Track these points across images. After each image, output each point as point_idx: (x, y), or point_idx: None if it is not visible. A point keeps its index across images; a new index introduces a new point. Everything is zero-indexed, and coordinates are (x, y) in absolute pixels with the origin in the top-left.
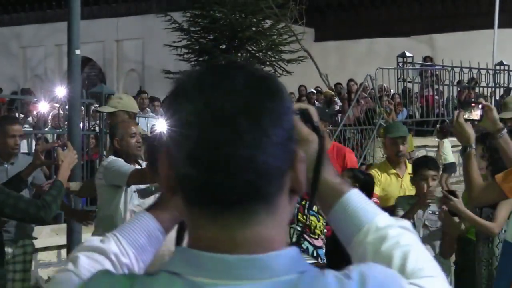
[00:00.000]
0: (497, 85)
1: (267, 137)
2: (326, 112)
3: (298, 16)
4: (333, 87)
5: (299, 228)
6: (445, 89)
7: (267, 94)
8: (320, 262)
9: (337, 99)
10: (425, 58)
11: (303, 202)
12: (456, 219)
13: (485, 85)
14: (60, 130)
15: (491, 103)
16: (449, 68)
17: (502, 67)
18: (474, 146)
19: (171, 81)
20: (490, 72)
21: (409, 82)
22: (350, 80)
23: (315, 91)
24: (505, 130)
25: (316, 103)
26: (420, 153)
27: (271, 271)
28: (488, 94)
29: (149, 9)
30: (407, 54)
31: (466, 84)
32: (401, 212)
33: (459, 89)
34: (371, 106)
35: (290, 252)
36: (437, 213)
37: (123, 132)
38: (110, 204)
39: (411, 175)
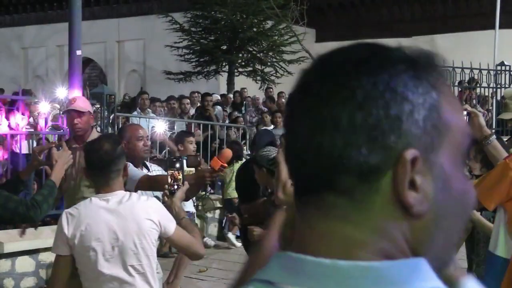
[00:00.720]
0: (498, 86)
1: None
2: None
3: (299, 17)
4: None
5: None
6: None
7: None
8: None
9: None
10: None
11: None
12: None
13: (486, 85)
14: (62, 130)
15: (492, 104)
16: (450, 69)
17: (503, 68)
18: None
19: (172, 81)
20: (491, 72)
21: None
22: None
23: None
24: (493, 136)
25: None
26: None
27: (393, 285)
28: (489, 95)
29: (150, 10)
30: None
31: (467, 85)
32: None
33: (460, 89)
34: None
35: (414, 262)
36: None
37: (130, 135)
38: None
39: None
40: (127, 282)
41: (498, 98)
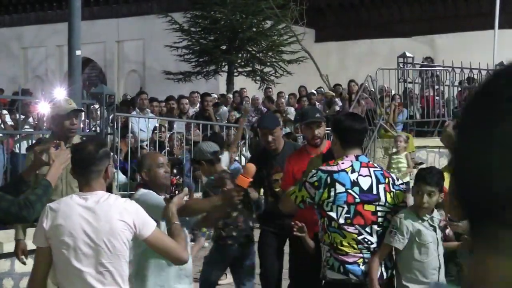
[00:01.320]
0: None
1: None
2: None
3: (299, 17)
4: (334, 88)
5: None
6: (445, 90)
7: None
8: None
9: (337, 100)
10: (426, 59)
11: (387, 180)
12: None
13: None
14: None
15: None
16: (450, 69)
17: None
18: None
19: (172, 81)
20: (491, 72)
21: (409, 82)
22: (351, 80)
23: (315, 92)
24: None
25: (317, 104)
26: (421, 154)
27: None
28: None
29: (149, 10)
30: (408, 54)
31: (466, 85)
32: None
33: (459, 89)
34: (371, 107)
35: None
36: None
37: (151, 162)
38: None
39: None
40: (96, 279)
41: None
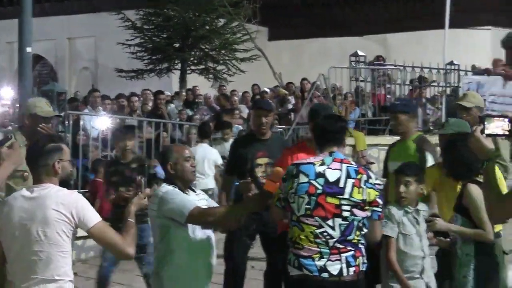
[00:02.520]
0: (448, 84)
1: None
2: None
3: (252, 15)
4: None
5: None
6: (396, 88)
7: None
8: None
9: (290, 98)
10: (378, 58)
11: (359, 176)
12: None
13: (436, 84)
14: (10, 128)
15: (441, 102)
16: (401, 68)
17: (452, 67)
18: (492, 160)
19: (124, 79)
20: (441, 71)
21: (361, 81)
22: (303, 79)
23: (268, 90)
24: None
25: (270, 102)
26: (373, 152)
27: None
28: (439, 93)
29: (101, 7)
30: (360, 53)
31: (417, 83)
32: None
33: (410, 88)
34: None
35: None
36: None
37: (177, 156)
38: (164, 240)
39: None
40: (29, 267)
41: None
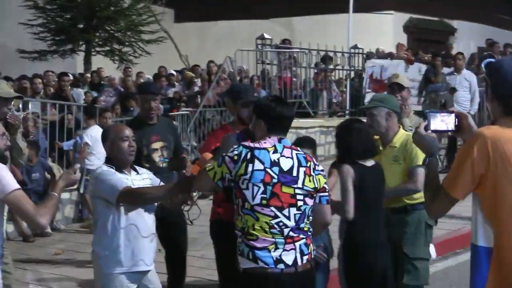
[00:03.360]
0: (352, 68)
1: None
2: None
3: None
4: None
5: None
6: (302, 72)
7: None
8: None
9: (197, 81)
10: (284, 41)
11: (308, 164)
12: None
13: (341, 68)
14: None
15: (346, 86)
16: (307, 51)
17: (356, 50)
18: (434, 156)
19: (27, 60)
20: (346, 55)
21: (267, 64)
22: (210, 61)
23: (174, 73)
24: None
25: (176, 84)
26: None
27: None
28: (344, 76)
29: None
30: (266, 36)
31: (322, 67)
32: None
33: (316, 71)
34: None
35: None
36: None
37: (114, 135)
38: (100, 220)
39: None
40: None
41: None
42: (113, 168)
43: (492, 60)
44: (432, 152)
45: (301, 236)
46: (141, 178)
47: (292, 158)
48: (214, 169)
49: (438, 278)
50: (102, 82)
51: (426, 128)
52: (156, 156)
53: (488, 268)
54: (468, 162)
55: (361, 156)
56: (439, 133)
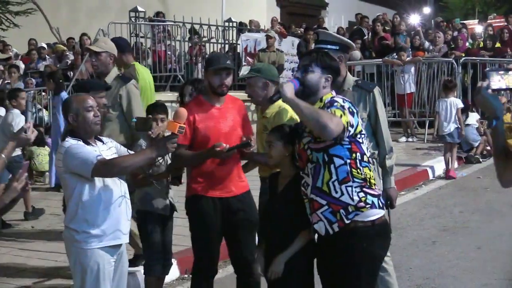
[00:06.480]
0: (226, 42)
1: None
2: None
3: None
4: (67, 41)
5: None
6: (176, 45)
7: None
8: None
9: (69, 54)
10: (158, 14)
11: (354, 155)
12: None
13: (215, 41)
14: None
15: None
16: (180, 24)
17: (230, 24)
18: (500, 119)
19: None
20: (220, 28)
21: (141, 37)
22: (83, 34)
23: (45, 46)
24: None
25: (47, 57)
26: None
27: None
28: (218, 50)
29: None
30: (140, 9)
31: (196, 40)
32: None
33: (190, 45)
34: None
35: None
36: None
37: (77, 106)
38: (74, 196)
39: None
40: None
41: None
42: (80, 141)
43: None
44: (497, 115)
45: None
46: (108, 148)
47: None
48: (342, 116)
49: None
50: None
51: (488, 87)
52: None
53: None
54: None
55: None
56: (501, 91)
